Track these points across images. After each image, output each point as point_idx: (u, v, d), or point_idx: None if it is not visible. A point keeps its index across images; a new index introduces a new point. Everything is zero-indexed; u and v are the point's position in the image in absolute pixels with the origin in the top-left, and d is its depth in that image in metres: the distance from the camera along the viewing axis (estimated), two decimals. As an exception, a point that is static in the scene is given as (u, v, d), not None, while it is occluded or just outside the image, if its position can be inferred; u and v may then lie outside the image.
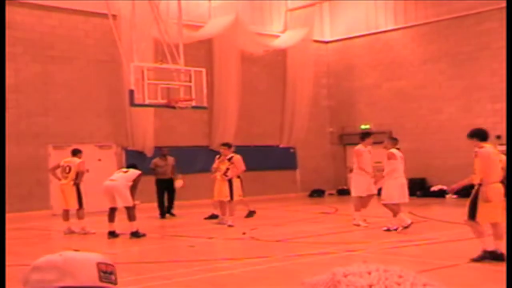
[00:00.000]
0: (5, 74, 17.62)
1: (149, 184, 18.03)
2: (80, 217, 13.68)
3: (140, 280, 8.26)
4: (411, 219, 12.53)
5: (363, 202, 13.39)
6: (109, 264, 1.39)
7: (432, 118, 22.92)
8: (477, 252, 8.71)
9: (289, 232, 13.29)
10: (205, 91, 16.19)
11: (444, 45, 22.55)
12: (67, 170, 13.87)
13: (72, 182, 13.70)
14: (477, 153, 8.87)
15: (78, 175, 13.76)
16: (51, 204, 18.76)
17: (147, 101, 15.14)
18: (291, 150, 24.48)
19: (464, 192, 10.50)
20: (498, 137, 21.05)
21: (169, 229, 15.11)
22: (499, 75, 20.44)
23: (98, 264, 1.37)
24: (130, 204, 12.79)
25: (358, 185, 13.38)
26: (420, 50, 23.26)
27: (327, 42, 26.12)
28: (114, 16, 17.60)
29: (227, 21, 22.03)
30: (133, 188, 12.99)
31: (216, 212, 15.54)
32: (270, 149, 24.19)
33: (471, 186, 8.94)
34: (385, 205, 12.54)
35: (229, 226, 13.97)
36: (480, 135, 9.08)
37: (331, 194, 24.73)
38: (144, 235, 12.76)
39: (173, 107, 15.61)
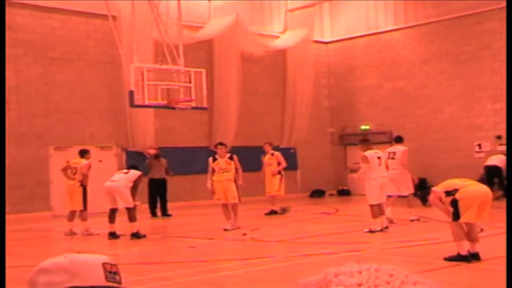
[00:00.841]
0: (5, 76, 17.65)
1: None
2: (83, 218, 13.71)
3: (141, 281, 8.30)
4: (388, 225, 12.47)
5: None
6: (114, 265, 1.44)
7: (433, 118, 22.94)
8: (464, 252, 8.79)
9: (290, 232, 13.32)
10: (205, 92, 16.22)
11: (444, 45, 22.58)
12: (74, 172, 13.95)
13: (78, 183, 13.75)
14: None
15: (83, 177, 13.80)
16: (52, 205, 18.81)
17: (147, 102, 15.16)
18: (292, 151, 24.48)
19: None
20: (499, 137, 21.09)
21: (170, 230, 15.14)
22: (500, 75, 20.46)
23: (104, 264, 1.41)
24: (131, 205, 12.82)
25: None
26: (421, 50, 23.29)
27: (327, 43, 26.14)
28: (114, 17, 17.63)
29: (227, 21, 22.06)
30: (133, 189, 13.02)
31: (274, 207, 16.74)
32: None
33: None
34: (370, 206, 12.62)
35: (226, 230, 13.38)
36: None
37: (331, 195, 24.74)
38: (144, 236, 12.79)
39: (173, 108, 15.63)
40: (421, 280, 1.08)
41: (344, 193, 24.64)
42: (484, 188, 8.90)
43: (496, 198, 12.05)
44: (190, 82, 15.76)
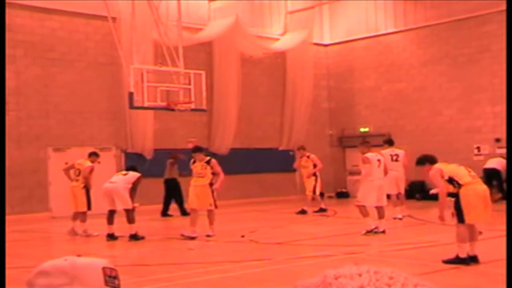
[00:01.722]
0: (5, 76, 17.64)
1: (150, 186, 18.08)
2: (82, 220, 13.71)
3: (140, 282, 8.29)
4: (384, 228, 12.46)
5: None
6: (113, 269, 1.44)
7: (432, 120, 22.94)
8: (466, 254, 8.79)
9: (288, 234, 13.32)
10: (204, 93, 16.24)
11: (444, 47, 22.59)
12: (77, 173, 13.98)
13: (82, 185, 13.75)
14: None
15: (85, 179, 13.79)
16: (51, 206, 18.80)
17: (146, 104, 15.17)
18: (291, 153, 24.49)
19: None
20: (498, 140, 21.09)
21: (168, 231, 15.12)
22: (499, 77, 20.48)
23: (104, 268, 1.41)
24: (130, 206, 12.82)
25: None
26: (420, 52, 23.30)
27: (326, 45, 26.15)
28: (114, 18, 17.64)
29: (227, 23, 22.06)
30: (132, 191, 13.02)
31: (306, 207, 17.45)
32: (269, 151, 24.21)
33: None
34: (357, 206, 12.68)
35: (208, 236, 12.74)
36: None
37: (330, 197, 24.74)
38: (143, 237, 12.78)
39: (173, 110, 15.65)
40: (420, 282, 1.08)
41: (343, 195, 24.62)
42: (484, 187, 9.00)
43: (494, 201, 12.05)
44: (189, 84, 15.77)
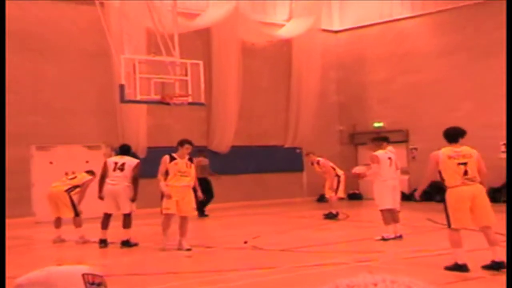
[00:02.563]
0: (5, 75, 17.60)
1: (144, 188, 18.05)
2: (77, 224, 13.70)
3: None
4: (400, 233, 12.43)
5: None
6: (96, 275, 1.44)
7: (450, 115, 22.82)
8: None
9: (294, 240, 13.32)
10: (202, 86, 16.21)
11: (463, 35, 22.48)
12: (71, 177, 14.15)
13: (67, 188, 13.78)
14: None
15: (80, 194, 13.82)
16: (34, 210, 18.80)
17: (139, 97, 15.15)
18: (297, 151, 24.48)
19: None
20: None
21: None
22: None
23: (84, 275, 1.42)
24: (130, 210, 12.86)
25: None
26: (438, 40, 23.20)
27: (336, 32, 26.12)
28: (102, 3, 17.61)
29: (227, 9, 22.05)
30: (134, 181, 12.97)
31: (334, 210, 17.37)
32: (273, 149, 24.20)
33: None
34: (381, 211, 12.63)
35: (189, 249, 12.10)
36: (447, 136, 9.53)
37: (341, 199, 24.71)
38: (136, 244, 12.79)
39: (168, 104, 15.62)
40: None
41: (355, 197, 24.62)
42: (473, 188, 9.02)
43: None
44: (186, 75, 15.75)
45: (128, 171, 12.96)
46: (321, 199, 24.34)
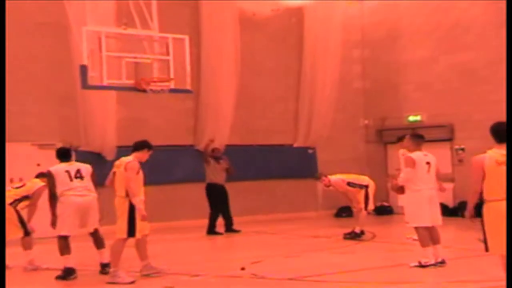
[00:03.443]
0: (5, 73, 17.65)
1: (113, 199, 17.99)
2: (26, 246, 13.75)
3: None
4: (442, 258, 12.42)
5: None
6: None
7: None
8: None
9: (306, 266, 13.32)
10: (188, 68, 16.22)
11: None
12: (18, 185, 14.33)
13: (12, 201, 13.81)
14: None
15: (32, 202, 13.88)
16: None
17: (106, 82, 15.17)
18: (310, 151, 24.50)
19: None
20: None
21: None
22: None
23: None
24: (98, 225, 12.92)
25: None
26: (496, 7, 23.03)
27: (361, -1, 26.19)
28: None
29: (220, -31, 22.10)
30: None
31: (360, 226, 17.56)
32: (280, 149, 24.29)
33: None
34: (416, 229, 12.63)
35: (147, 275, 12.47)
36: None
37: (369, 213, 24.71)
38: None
39: (144, 91, 15.64)
40: None
41: (384, 211, 24.61)
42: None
43: None
44: (167, 54, 15.80)
45: (87, 178, 12.93)
46: (340, 213, 24.36)
